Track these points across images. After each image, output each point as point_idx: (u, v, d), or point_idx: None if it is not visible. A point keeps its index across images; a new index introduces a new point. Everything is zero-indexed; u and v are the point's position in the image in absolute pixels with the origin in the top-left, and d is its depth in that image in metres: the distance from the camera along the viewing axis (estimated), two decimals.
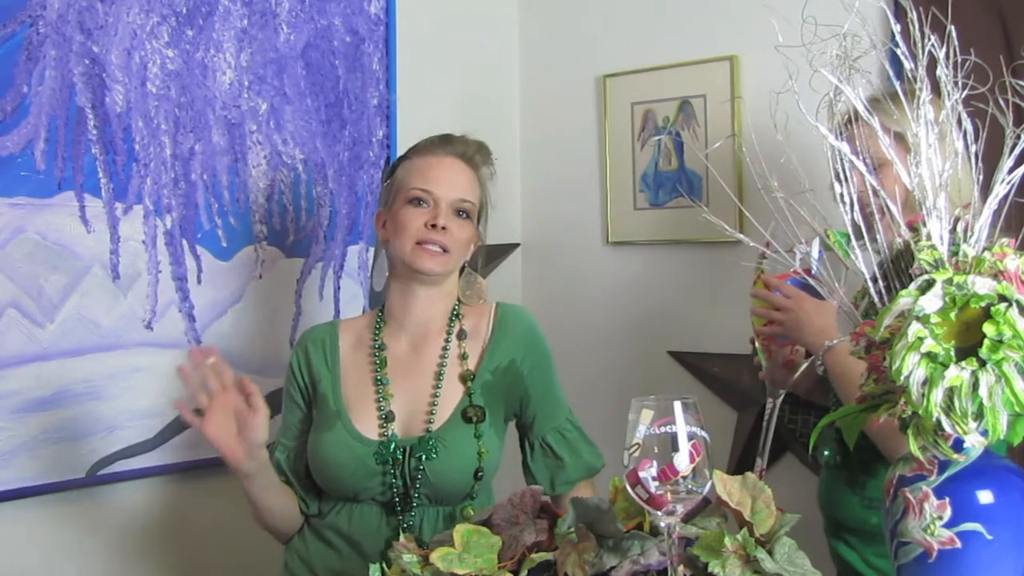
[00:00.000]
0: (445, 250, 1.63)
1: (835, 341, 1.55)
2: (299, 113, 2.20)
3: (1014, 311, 0.92)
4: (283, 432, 1.73)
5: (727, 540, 1.06)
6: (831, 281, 1.56)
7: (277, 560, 1.89)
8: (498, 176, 2.74)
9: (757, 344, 1.71)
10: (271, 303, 2.13)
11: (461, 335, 1.69)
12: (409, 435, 1.62)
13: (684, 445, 1.01)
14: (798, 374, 1.65)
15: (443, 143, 1.72)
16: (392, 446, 1.59)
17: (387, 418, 1.63)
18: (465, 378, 1.65)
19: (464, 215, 1.67)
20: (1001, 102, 1.02)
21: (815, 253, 1.59)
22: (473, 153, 1.72)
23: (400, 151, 2.39)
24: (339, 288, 2.27)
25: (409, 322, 1.69)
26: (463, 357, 1.67)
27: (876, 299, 1.07)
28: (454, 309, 1.72)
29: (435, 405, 1.63)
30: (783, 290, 1.63)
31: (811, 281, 1.57)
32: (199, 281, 2.01)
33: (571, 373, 2.71)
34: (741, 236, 1.27)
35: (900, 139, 1.50)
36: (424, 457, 1.58)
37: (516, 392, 1.68)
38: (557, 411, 1.72)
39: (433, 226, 1.62)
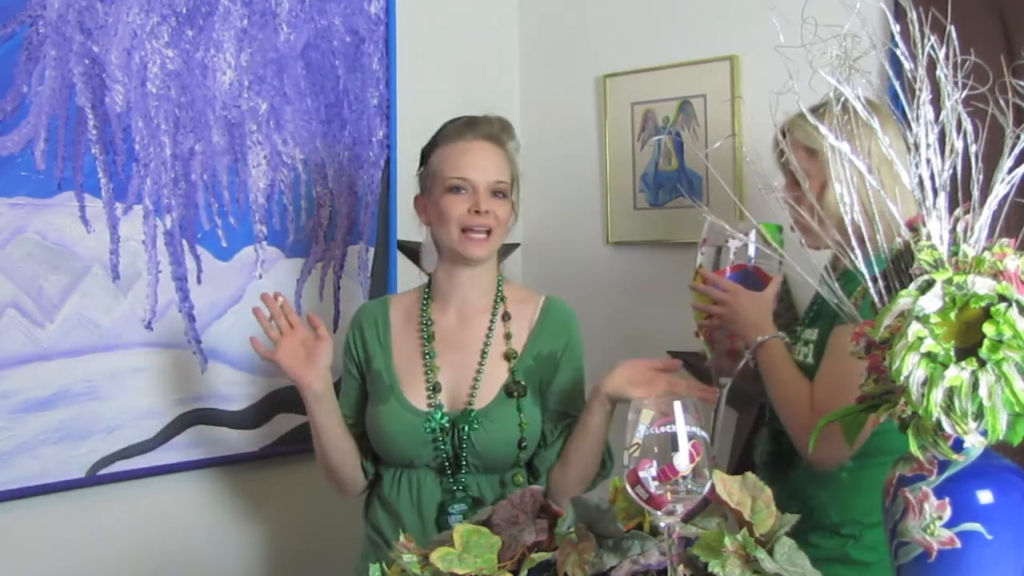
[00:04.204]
0: (489, 232, 1.72)
1: (766, 336, 1.60)
2: (299, 113, 2.20)
3: (1014, 311, 0.92)
4: (343, 402, 1.80)
5: (727, 540, 1.06)
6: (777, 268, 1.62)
7: (277, 560, 1.89)
8: None
9: (702, 336, 1.76)
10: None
11: (506, 316, 1.78)
12: (455, 406, 1.72)
13: (684, 445, 1.01)
14: (743, 363, 1.69)
15: (470, 127, 1.78)
16: (440, 415, 1.70)
17: (435, 389, 1.73)
18: (509, 356, 1.74)
19: (501, 195, 1.74)
20: (1001, 102, 1.02)
21: (751, 245, 1.66)
22: (499, 132, 1.79)
23: (400, 151, 2.40)
24: (339, 288, 2.27)
25: (455, 299, 1.78)
26: (507, 336, 1.76)
27: (876, 298, 1.07)
28: (498, 289, 1.80)
29: (479, 380, 1.72)
30: (719, 284, 1.68)
31: (751, 272, 1.64)
32: (199, 281, 2.01)
33: None
34: (741, 236, 1.27)
35: (812, 154, 1.55)
36: (468, 428, 1.68)
37: (551, 380, 1.75)
38: (580, 404, 1.76)
39: (476, 212, 1.70)
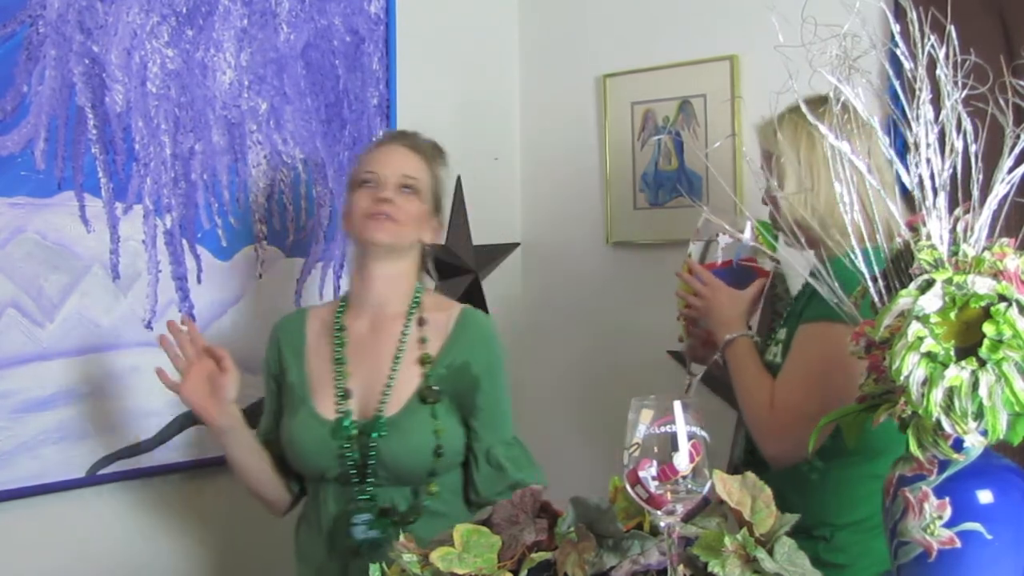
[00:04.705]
0: (393, 220, 1.67)
1: (734, 335, 1.63)
2: (299, 113, 2.19)
3: (1014, 311, 0.92)
4: (265, 420, 1.79)
5: (727, 540, 1.06)
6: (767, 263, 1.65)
7: (277, 560, 1.89)
8: (498, 176, 2.76)
9: (681, 321, 1.78)
10: (271, 303, 2.13)
11: (421, 322, 1.72)
12: (366, 414, 1.66)
13: (684, 445, 1.00)
14: (714, 358, 1.74)
15: (391, 137, 1.81)
16: (347, 422, 1.64)
17: (343, 396, 1.68)
18: (424, 361, 1.68)
19: (409, 190, 1.71)
20: (1001, 102, 1.02)
21: (747, 236, 1.67)
22: (423, 143, 1.78)
23: None
24: (339, 288, 2.27)
25: (368, 302, 1.73)
26: (422, 341, 1.70)
27: (876, 299, 1.07)
28: (416, 296, 1.75)
29: (390, 386, 1.67)
30: (702, 277, 1.71)
31: (737, 268, 1.67)
32: (199, 281, 2.01)
33: (571, 373, 2.72)
34: (741, 236, 1.28)
35: (769, 158, 1.61)
36: (376, 436, 1.62)
37: (467, 396, 1.69)
38: (503, 425, 1.73)
39: (380, 200, 1.67)
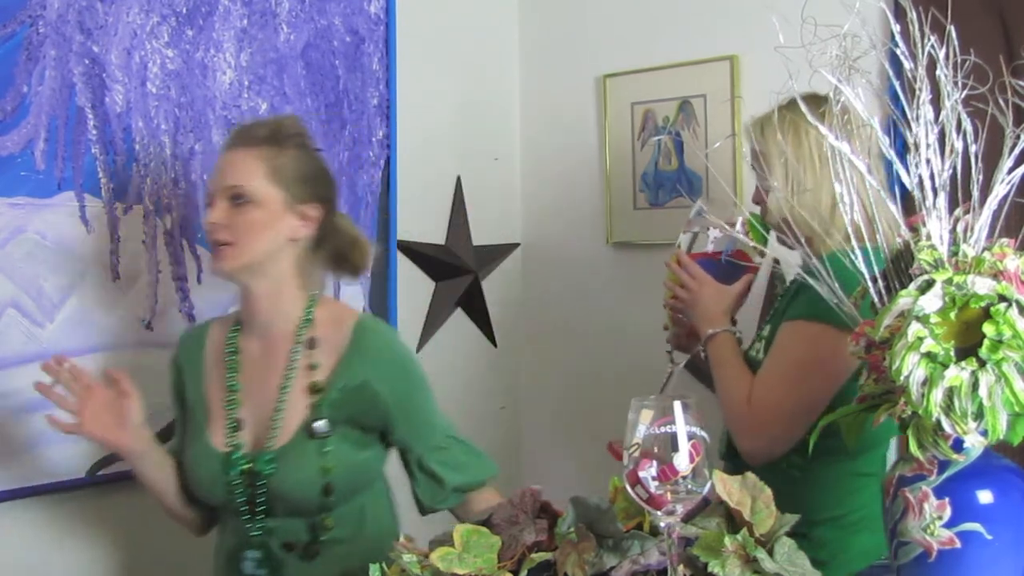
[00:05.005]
0: (229, 244, 1.52)
1: (716, 330, 1.64)
2: (299, 113, 2.19)
3: (1014, 311, 0.92)
4: (175, 442, 1.69)
5: (727, 540, 1.06)
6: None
7: None
8: (498, 176, 2.76)
9: (667, 310, 1.79)
10: None
11: (312, 343, 1.57)
12: (257, 446, 1.55)
13: (684, 445, 1.00)
14: (696, 350, 1.75)
15: (227, 142, 1.63)
16: (236, 455, 1.54)
17: (235, 427, 1.57)
18: (313, 390, 1.55)
19: (241, 199, 1.52)
20: (1001, 102, 1.02)
21: (738, 230, 1.67)
22: (257, 132, 1.58)
23: (400, 151, 2.40)
24: (339, 288, 2.27)
25: (255, 322, 1.60)
26: (312, 367, 1.56)
27: (876, 299, 1.07)
28: (307, 312, 1.60)
29: (278, 417, 1.55)
30: (690, 270, 1.72)
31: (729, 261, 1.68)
32: (199, 281, 2.01)
33: (571, 373, 2.72)
34: (741, 236, 1.28)
35: (757, 157, 1.63)
36: (264, 471, 1.52)
37: (375, 415, 1.57)
38: (430, 432, 1.63)
39: (210, 226, 1.54)
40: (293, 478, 1.52)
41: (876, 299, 1.07)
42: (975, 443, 0.96)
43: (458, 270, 2.60)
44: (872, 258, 1.09)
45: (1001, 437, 0.93)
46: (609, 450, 1.63)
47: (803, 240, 1.22)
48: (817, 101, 1.18)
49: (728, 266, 1.71)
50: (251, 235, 1.52)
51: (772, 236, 1.68)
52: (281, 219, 1.55)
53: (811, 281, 1.15)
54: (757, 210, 1.71)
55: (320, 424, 1.52)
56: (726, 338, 1.65)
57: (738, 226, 1.68)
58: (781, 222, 1.32)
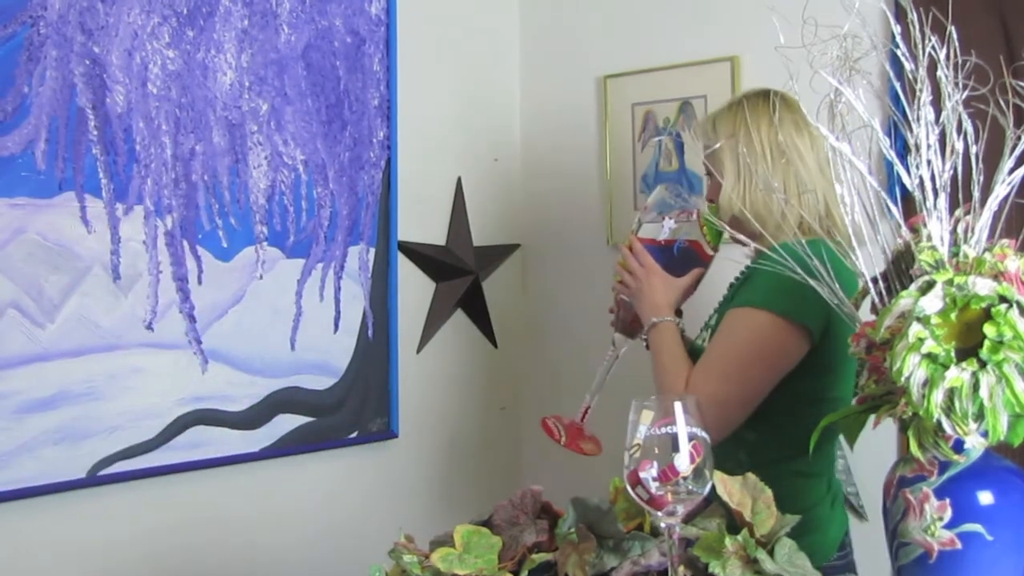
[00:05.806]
0: None
1: (657, 320, 1.64)
2: (300, 114, 2.20)
3: (1015, 312, 0.92)
4: None
5: (728, 541, 1.06)
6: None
7: (278, 560, 1.89)
8: (498, 177, 2.76)
9: (614, 295, 1.78)
10: (272, 304, 2.13)
11: None
12: None
13: (685, 446, 1.00)
14: (639, 337, 1.73)
15: None
16: None
17: None
18: None
19: None
20: (1002, 103, 1.02)
21: (693, 219, 1.66)
22: None
23: (401, 152, 2.40)
24: (339, 289, 2.27)
25: None
26: None
27: (876, 299, 1.07)
28: None
29: None
30: (640, 258, 1.70)
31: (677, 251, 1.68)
32: (200, 282, 2.01)
33: (571, 374, 2.72)
34: (741, 237, 1.28)
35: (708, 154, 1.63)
36: None
37: None
38: None
39: None
40: None
41: (876, 300, 1.07)
42: (976, 444, 0.96)
43: (458, 271, 2.60)
44: (823, 251, 1.13)
45: (1002, 438, 0.93)
46: (542, 426, 1.64)
47: (753, 235, 1.24)
48: (766, 98, 1.20)
49: (681, 254, 1.69)
50: None
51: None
52: None
53: (767, 266, 1.17)
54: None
55: None
56: (668, 327, 1.64)
57: (694, 217, 1.67)
58: (732, 219, 1.35)
